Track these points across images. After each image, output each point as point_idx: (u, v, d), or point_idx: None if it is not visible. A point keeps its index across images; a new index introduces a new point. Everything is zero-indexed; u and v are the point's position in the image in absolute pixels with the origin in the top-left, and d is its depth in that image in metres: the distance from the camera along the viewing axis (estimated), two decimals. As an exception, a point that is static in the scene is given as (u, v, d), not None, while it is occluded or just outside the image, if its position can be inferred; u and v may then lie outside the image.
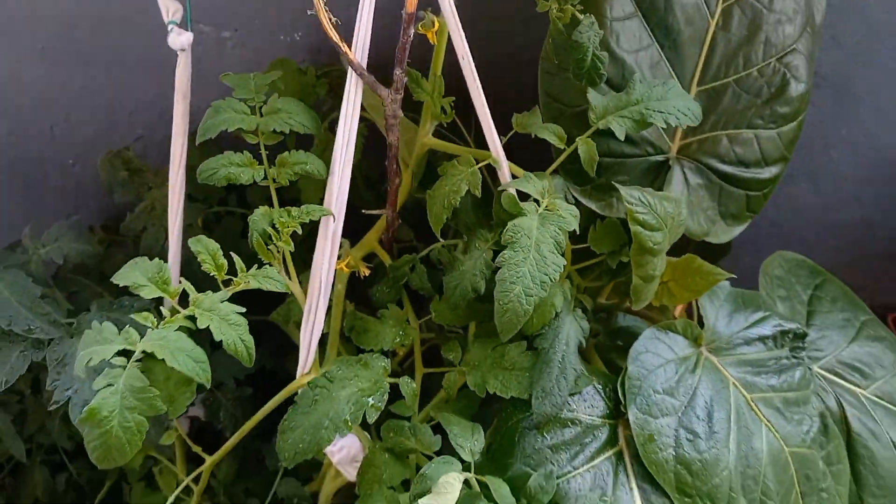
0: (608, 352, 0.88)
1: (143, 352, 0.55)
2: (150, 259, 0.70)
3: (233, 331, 0.57)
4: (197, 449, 0.77)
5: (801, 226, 1.18)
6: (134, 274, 0.57)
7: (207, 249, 0.59)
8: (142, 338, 0.55)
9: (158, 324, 0.56)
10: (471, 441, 0.68)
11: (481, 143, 0.75)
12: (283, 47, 0.89)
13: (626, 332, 0.87)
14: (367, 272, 0.77)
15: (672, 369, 0.72)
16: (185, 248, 0.73)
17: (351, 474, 0.81)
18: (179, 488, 0.78)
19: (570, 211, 0.64)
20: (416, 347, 0.80)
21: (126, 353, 0.55)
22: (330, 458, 0.78)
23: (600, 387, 0.73)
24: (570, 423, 0.70)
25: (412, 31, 0.59)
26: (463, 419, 0.70)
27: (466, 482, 0.63)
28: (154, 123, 0.96)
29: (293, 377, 0.76)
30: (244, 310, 0.59)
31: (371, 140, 0.84)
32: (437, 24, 0.64)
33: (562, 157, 0.70)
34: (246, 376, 0.88)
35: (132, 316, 0.57)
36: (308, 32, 0.89)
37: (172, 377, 0.61)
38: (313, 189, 0.81)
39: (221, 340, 0.57)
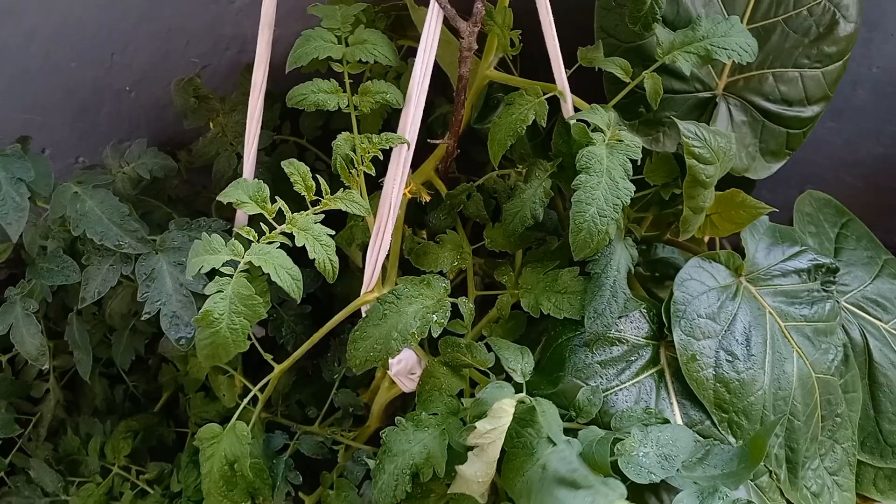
0: (645, 281, 0.93)
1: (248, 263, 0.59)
2: (223, 180, 0.74)
3: (323, 250, 0.61)
4: (267, 357, 0.82)
5: (821, 163, 1.20)
6: (238, 192, 0.61)
7: (299, 171, 0.63)
8: (245, 250, 0.60)
9: (259, 239, 0.61)
10: (521, 363, 0.73)
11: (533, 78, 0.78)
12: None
13: (664, 262, 0.92)
14: (429, 198, 0.81)
15: (714, 296, 0.78)
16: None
17: (406, 386, 0.87)
18: (248, 397, 0.83)
19: (634, 141, 0.67)
20: (470, 271, 0.85)
21: (232, 264, 0.60)
22: (389, 369, 0.84)
23: (645, 311, 0.78)
24: (617, 342, 0.76)
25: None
26: (511, 342, 0.76)
27: (520, 400, 0.69)
28: (208, 52, 0.98)
29: (341, 298, 0.81)
30: (333, 232, 0.63)
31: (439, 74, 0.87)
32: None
33: (626, 90, 0.74)
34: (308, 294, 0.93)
35: (236, 230, 0.61)
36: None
37: (255, 287, 0.66)
38: (374, 115, 0.84)
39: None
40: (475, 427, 0.65)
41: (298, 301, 0.61)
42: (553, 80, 0.74)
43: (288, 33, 0.93)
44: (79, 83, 0.99)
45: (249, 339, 1.02)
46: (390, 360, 0.81)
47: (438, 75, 0.76)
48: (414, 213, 0.88)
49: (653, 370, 0.76)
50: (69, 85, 0.99)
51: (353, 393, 0.93)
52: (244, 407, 0.87)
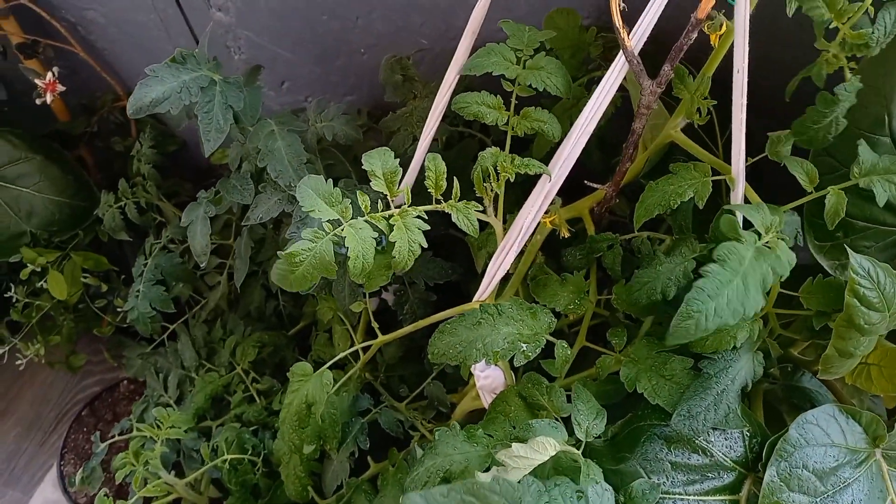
0: (778, 402, 0.84)
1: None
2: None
3: (407, 248, 0.64)
4: (375, 325, 0.87)
5: None
6: (375, 162, 0.66)
7: (435, 168, 0.66)
8: (351, 217, 0.65)
9: (369, 213, 0.65)
10: (590, 421, 0.69)
11: (728, 151, 0.73)
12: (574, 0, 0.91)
13: (803, 392, 0.82)
14: (568, 234, 0.80)
15: (833, 454, 0.68)
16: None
17: (487, 402, 0.88)
18: (350, 349, 0.89)
19: (788, 256, 0.61)
20: (586, 321, 0.83)
21: (335, 223, 0.65)
22: (476, 380, 0.86)
23: (748, 433, 0.71)
24: (700, 452, 0.70)
25: (695, 34, 0.58)
26: (594, 400, 0.73)
27: (572, 455, 0.66)
28: (436, 37, 1.04)
29: (469, 298, 0.83)
30: (425, 245, 0.65)
31: (623, 109, 0.85)
32: (724, 28, 0.63)
33: (802, 200, 0.67)
34: (435, 284, 0.97)
35: (356, 192, 0.66)
36: (602, -7, 0.90)
37: (376, 260, 0.71)
38: (542, 143, 0.85)
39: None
40: (510, 445, 0.64)
41: (391, 289, 0.65)
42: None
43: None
44: (324, 34, 1.10)
45: (377, 293, 1.09)
46: (478, 373, 0.83)
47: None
48: (555, 242, 0.87)
49: (727, 497, 0.69)
50: (316, 33, 1.11)
51: (446, 390, 0.96)
52: (348, 362, 0.94)
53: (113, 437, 1.13)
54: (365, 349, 0.90)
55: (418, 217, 0.65)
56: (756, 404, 0.79)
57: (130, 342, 1.40)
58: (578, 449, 0.66)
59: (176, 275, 1.11)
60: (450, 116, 0.96)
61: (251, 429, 1.05)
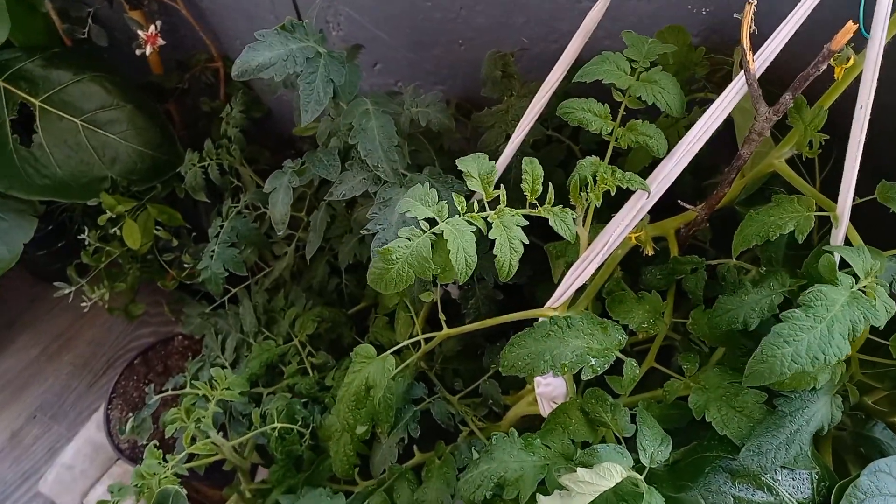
0: (845, 451, 0.81)
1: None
2: (485, 151, 0.79)
3: (509, 252, 0.64)
4: (442, 317, 0.87)
5: None
6: (472, 164, 0.66)
7: (532, 172, 0.66)
8: (448, 217, 0.65)
9: (465, 212, 0.65)
10: (655, 448, 0.69)
11: (826, 187, 0.71)
12: (684, 14, 0.90)
13: (874, 443, 0.79)
14: (652, 253, 0.79)
15: (905, 507, 0.66)
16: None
17: (544, 410, 0.87)
18: (411, 339, 0.90)
19: (887, 305, 0.59)
20: (657, 341, 0.81)
21: (432, 222, 0.65)
22: (535, 386, 0.85)
23: (817, 476, 0.69)
24: (765, 489, 0.68)
25: (825, 66, 0.57)
26: (658, 426, 0.72)
27: (635, 481, 0.66)
28: (537, 38, 1.03)
29: (538, 302, 0.82)
30: (527, 241, 0.65)
31: (723, 132, 0.83)
32: (851, 62, 0.61)
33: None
34: (504, 284, 0.97)
35: (452, 193, 0.66)
36: (715, 11, 0.88)
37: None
38: (643, 152, 0.83)
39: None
40: (576, 470, 0.64)
41: (455, 282, 0.64)
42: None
43: (617, 48, 0.95)
44: (425, 21, 1.11)
45: (444, 286, 1.09)
46: (539, 379, 0.82)
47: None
48: (634, 260, 0.86)
49: (789, 540, 0.68)
50: (417, 20, 1.11)
51: (499, 388, 0.95)
52: (406, 349, 0.95)
53: (167, 390, 1.15)
54: (427, 339, 0.91)
55: (518, 216, 0.65)
56: (825, 448, 0.76)
57: (190, 299, 1.43)
58: (641, 474, 0.65)
59: (250, 239, 1.13)
60: (543, 118, 0.95)
61: (302, 401, 1.06)
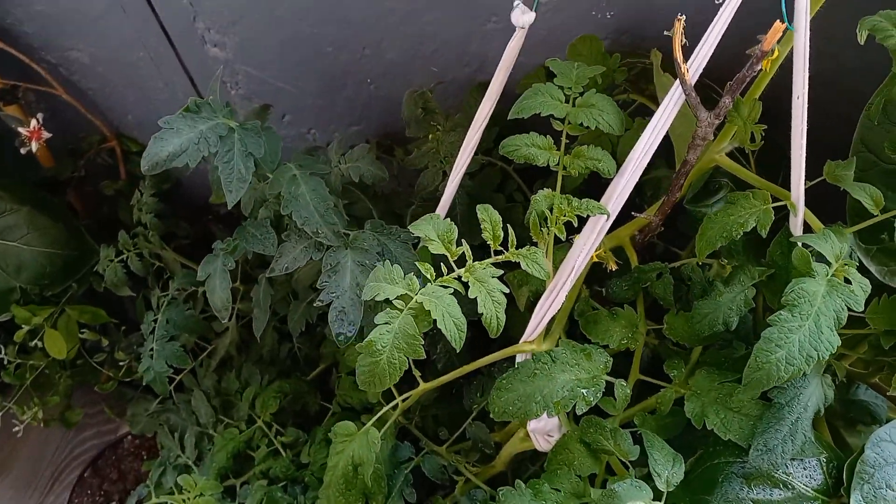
0: (835, 418, 0.83)
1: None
2: (424, 193, 0.76)
3: (493, 307, 0.61)
4: (416, 373, 0.83)
5: None
6: (427, 228, 0.63)
7: (490, 219, 0.63)
8: (420, 287, 0.61)
9: (435, 279, 0.62)
10: (669, 470, 0.67)
11: (761, 173, 0.72)
12: (592, 23, 0.89)
13: (861, 406, 0.81)
14: (615, 268, 0.77)
15: (913, 471, 0.67)
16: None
17: (540, 445, 0.85)
18: (391, 405, 0.85)
19: (862, 285, 0.59)
20: (638, 353, 0.80)
21: (405, 298, 0.61)
22: (527, 424, 0.83)
23: (824, 460, 0.69)
24: (781, 486, 0.68)
25: (759, 67, 0.56)
26: (667, 446, 0.70)
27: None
28: (449, 65, 1.01)
29: (508, 332, 0.80)
30: (507, 290, 0.62)
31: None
32: (776, 54, 0.61)
33: (871, 222, 0.65)
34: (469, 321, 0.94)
35: (417, 263, 0.62)
36: (620, 14, 0.88)
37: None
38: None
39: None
40: None
41: (458, 350, 0.61)
42: (789, 183, 0.67)
43: (530, 63, 0.93)
44: (329, 66, 1.06)
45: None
46: (531, 416, 0.80)
47: (665, 137, 0.72)
48: (594, 272, 0.85)
49: (813, 529, 0.68)
50: (322, 66, 1.07)
51: (488, 429, 0.92)
52: (380, 406, 0.90)
53: None
54: (404, 396, 0.86)
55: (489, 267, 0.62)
56: (821, 427, 0.77)
57: (132, 394, 1.34)
58: (660, 500, 0.64)
59: (189, 327, 1.05)
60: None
61: (280, 485, 1.00)
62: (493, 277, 0.61)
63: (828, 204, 0.72)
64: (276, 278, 1.10)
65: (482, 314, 0.61)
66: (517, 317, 0.83)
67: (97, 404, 1.62)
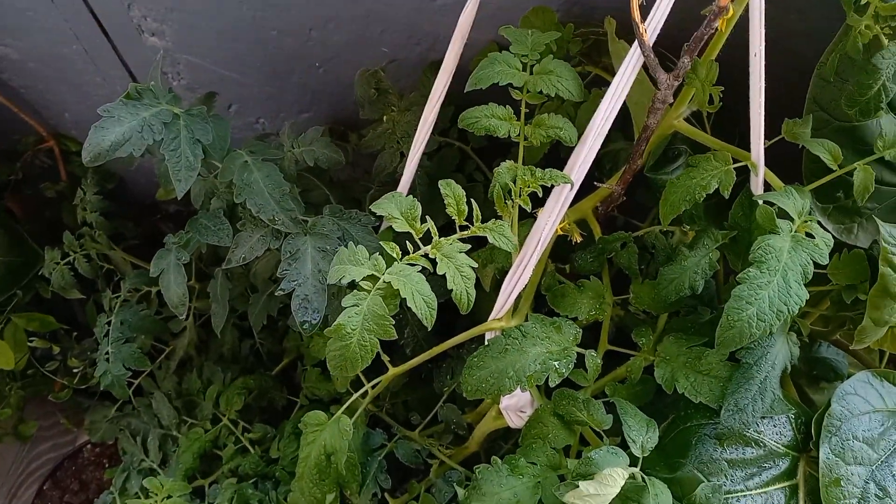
0: (798, 377, 0.84)
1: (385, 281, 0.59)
2: (383, 175, 0.74)
3: (463, 283, 0.60)
4: (386, 358, 0.82)
5: None
6: (390, 206, 0.61)
7: (454, 194, 0.62)
8: (387, 267, 0.59)
9: (401, 258, 0.60)
10: (644, 436, 0.67)
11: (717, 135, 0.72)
12: (542, -7, 0.88)
13: (824, 363, 0.83)
14: (580, 239, 0.77)
15: (878, 420, 0.68)
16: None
17: (513, 422, 0.84)
18: (360, 392, 0.83)
19: (825, 239, 0.60)
20: (606, 323, 0.80)
21: (371, 279, 0.59)
22: (499, 401, 0.82)
23: (793, 416, 0.70)
24: (753, 444, 0.69)
25: (716, 24, 0.56)
26: (640, 413, 0.70)
27: (632, 475, 0.64)
28: (399, 45, 0.98)
29: (475, 319, 0.79)
30: (476, 264, 0.61)
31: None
32: (731, 13, 0.61)
33: (830, 177, 0.66)
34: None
35: (381, 243, 0.61)
36: (572, -16, 0.87)
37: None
38: (536, 148, 0.81)
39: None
40: (577, 486, 0.61)
41: (430, 328, 0.60)
42: (746, 146, 0.67)
43: (482, 38, 0.92)
44: (276, 51, 1.03)
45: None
46: (503, 393, 0.79)
47: (621, 109, 0.72)
48: (559, 247, 0.85)
49: (786, 483, 0.68)
50: (267, 51, 1.03)
51: (459, 410, 0.91)
52: (348, 396, 0.88)
53: (93, 513, 1.03)
54: (375, 384, 0.85)
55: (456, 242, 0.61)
56: (786, 384, 0.78)
57: (89, 402, 1.29)
58: (636, 466, 0.64)
59: (145, 328, 1.02)
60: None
61: (251, 482, 0.97)
62: (460, 253, 0.60)
63: (781, 166, 0.73)
64: (233, 273, 1.07)
65: (452, 290, 0.60)
66: (483, 297, 0.82)
67: (51, 416, 1.56)
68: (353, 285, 0.59)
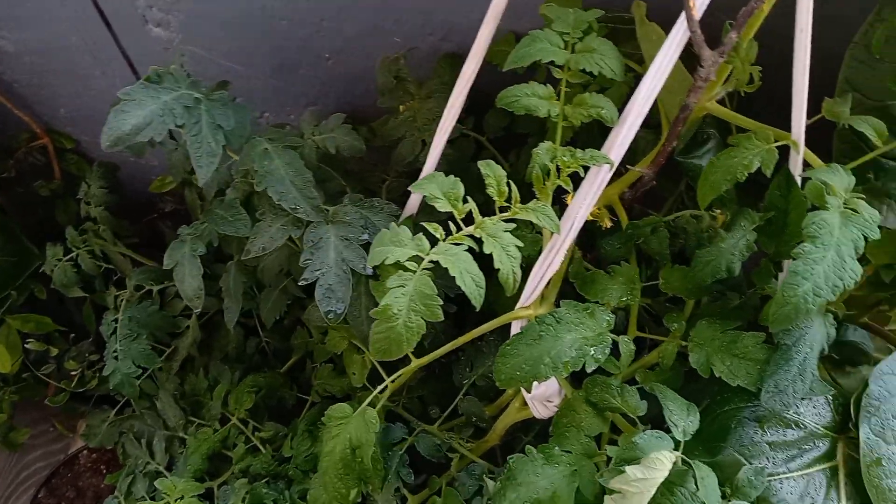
0: (823, 360, 0.84)
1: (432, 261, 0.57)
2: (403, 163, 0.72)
3: (509, 261, 0.58)
4: (409, 352, 0.80)
5: None
6: (431, 186, 0.59)
7: (494, 174, 0.60)
8: (431, 248, 0.58)
9: (445, 238, 0.58)
10: (685, 420, 0.66)
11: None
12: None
13: (851, 346, 0.82)
14: (611, 224, 0.76)
15: (916, 400, 0.68)
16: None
17: (539, 412, 0.83)
18: (381, 387, 0.81)
19: (872, 215, 0.59)
20: (635, 309, 0.79)
21: (416, 260, 0.58)
22: (526, 391, 0.80)
23: (831, 397, 0.70)
24: (793, 426, 0.68)
25: None
26: (679, 397, 0.69)
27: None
28: (412, 35, 0.97)
29: (486, 304, 0.77)
30: (521, 244, 0.60)
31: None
32: (775, -11, 0.60)
33: (873, 155, 0.66)
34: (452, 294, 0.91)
35: (424, 224, 0.59)
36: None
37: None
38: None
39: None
40: (624, 471, 0.60)
41: (478, 309, 0.58)
42: (781, 126, 0.67)
43: (501, 27, 0.90)
44: (285, 42, 1.01)
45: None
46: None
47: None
48: (584, 234, 0.83)
49: (826, 465, 0.68)
50: (275, 41, 1.01)
51: (480, 403, 0.90)
52: (366, 390, 0.86)
53: (97, 518, 0.99)
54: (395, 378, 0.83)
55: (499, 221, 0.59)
56: (819, 367, 0.78)
57: (83, 407, 1.25)
58: (679, 450, 0.63)
59: (154, 325, 0.98)
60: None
61: (262, 481, 0.95)
62: (505, 232, 0.59)
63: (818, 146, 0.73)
64: (240, 270, 1.04)
65: (498, 270, 0.58)
66: (501, 290, 0.81)
67: (41, 423, 1.51)
68: (396, 266, 0.57)
